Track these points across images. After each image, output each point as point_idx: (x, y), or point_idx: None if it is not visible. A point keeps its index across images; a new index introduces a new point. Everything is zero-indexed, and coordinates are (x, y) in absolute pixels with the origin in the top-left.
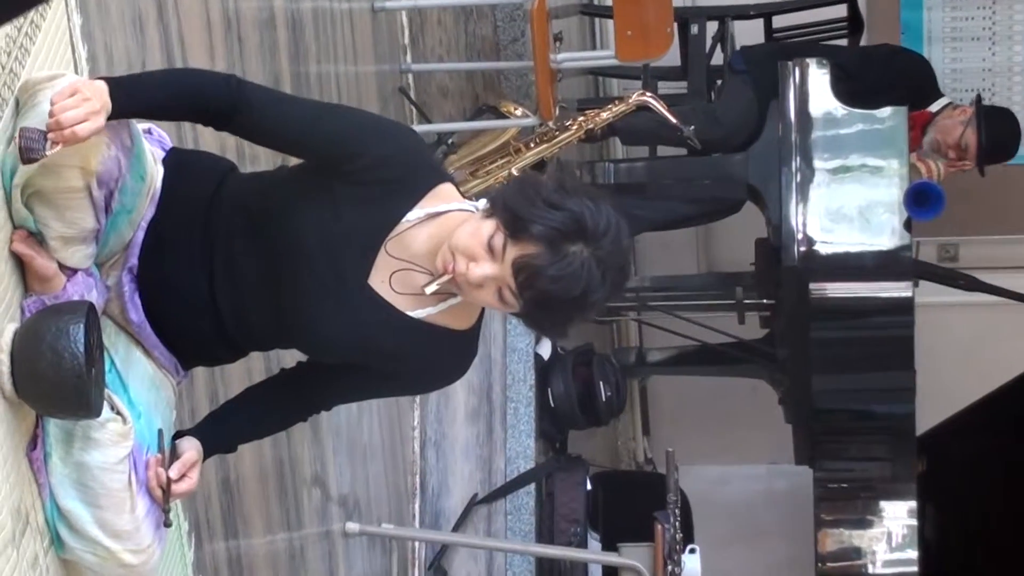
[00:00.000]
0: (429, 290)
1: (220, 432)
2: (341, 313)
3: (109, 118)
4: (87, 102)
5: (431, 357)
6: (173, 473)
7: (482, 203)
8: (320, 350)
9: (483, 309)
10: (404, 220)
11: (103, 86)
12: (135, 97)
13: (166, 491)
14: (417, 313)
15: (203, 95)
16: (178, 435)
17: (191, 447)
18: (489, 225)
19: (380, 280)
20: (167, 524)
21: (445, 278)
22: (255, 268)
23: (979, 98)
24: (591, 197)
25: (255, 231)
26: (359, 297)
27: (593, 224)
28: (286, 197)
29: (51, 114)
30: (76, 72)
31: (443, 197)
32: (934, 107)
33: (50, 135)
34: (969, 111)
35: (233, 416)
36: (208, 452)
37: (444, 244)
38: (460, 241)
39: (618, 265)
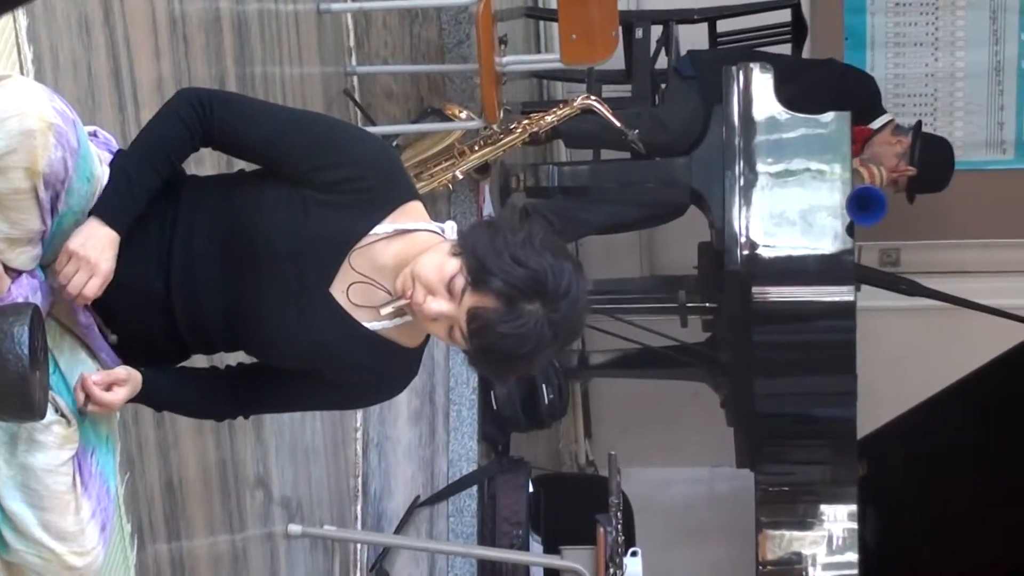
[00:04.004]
0: (384, 312)
1: (155, 382)
2: (301, 318)
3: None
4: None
5: (378, 369)
6: (97, 378)
7: (449, 226)
8: (272, 353)
9: None
10: (372, 233)
11: (95, 231)
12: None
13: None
14: (372, 325)
15: (175, 152)
16: None
17: (126, 370)
18: (453, 265)
19: (340, 290)
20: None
21: (402, 302)
22: (216, 268)
23: (919, 125)
24: (556, 254)
25: (218, 232)
26: (320, 304)
27: (554, 286)
28: (255, 199)
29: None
30: (22, 73)
31: (412, 215)
32: (875, 124)
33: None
34: (905, 143)
35: (171, 378)
36: (139, 395)
37: (407, 267)
38: (423, 272)
39: (571, 328)
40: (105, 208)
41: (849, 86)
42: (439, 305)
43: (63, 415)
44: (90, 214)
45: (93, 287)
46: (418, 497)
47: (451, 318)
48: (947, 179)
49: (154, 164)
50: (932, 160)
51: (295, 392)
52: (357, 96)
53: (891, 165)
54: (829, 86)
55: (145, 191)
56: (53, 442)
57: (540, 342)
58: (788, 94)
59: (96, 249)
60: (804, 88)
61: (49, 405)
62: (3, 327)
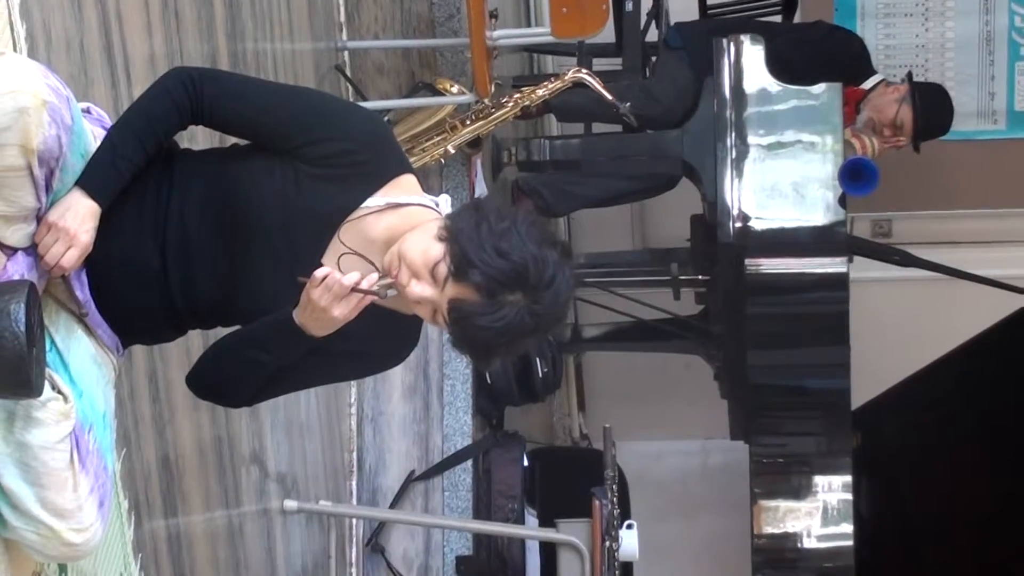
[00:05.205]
0: (369, 287)
1: None
2: (295, 289)
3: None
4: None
5: (376, 338)
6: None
7: (443, 199)
8: None
9: None
10: (364, 206)
11: (76, 202)
12: (112, 179)
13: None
14: None
15: (163, 129)
16: None
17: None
18: (438, 250)
19: (332, 262)
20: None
21: (388, 281)
22: (210, 241)
23: (911, 75)
24: (541, 243)
25: (212, 204)
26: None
27: (536, 278)
28: (247, 171)
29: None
30: (15, 50)
31: (405, 188)
32: (867, 84)
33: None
34: (903, 89)
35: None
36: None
37: (395, 244)
38: (408, 254)
39: (554, 317)
40: (88, 180)
41: (837, 43)
42: (422, 290)
43: (60, 392)
44: (73, 186)
45: (71, 258)
46: (413, 472)
47: (434, 303)
48: (950, 121)
49: (141, 139)
50: (932, 104)
51: (303, 368)
52: (348, 71)
53: (891, 113)
54: (815, 43)
55: (130, 165)
56: (50, 419)
57: (521, 332)
58: (774, 52)
59: (76, 220)
60: (790, 44)
61: (46, 382)
62: None
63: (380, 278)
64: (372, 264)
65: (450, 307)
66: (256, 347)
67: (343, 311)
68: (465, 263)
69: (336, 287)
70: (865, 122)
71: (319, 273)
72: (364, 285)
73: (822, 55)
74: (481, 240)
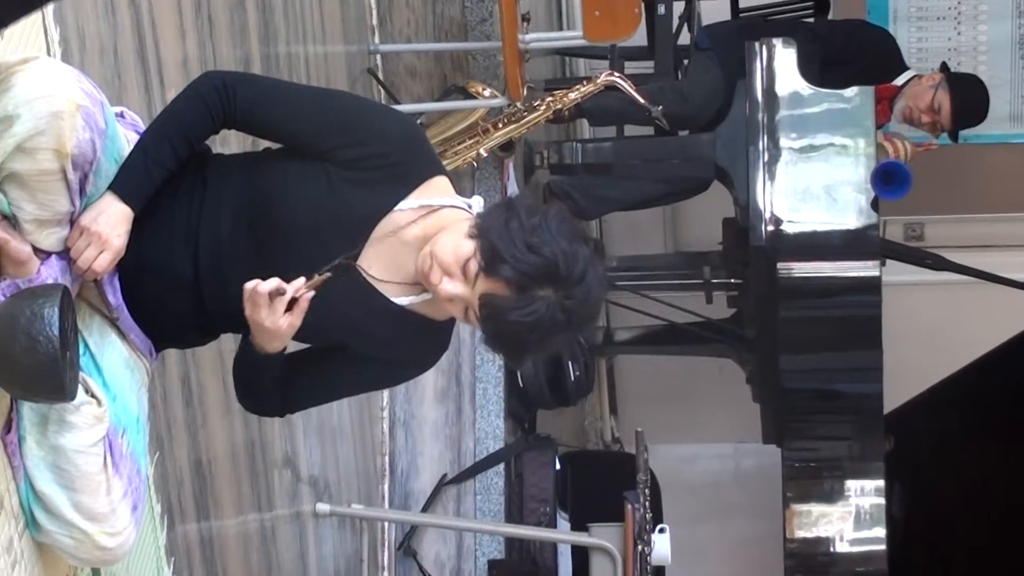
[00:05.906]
0: (405, 302)
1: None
2: (327, 294)
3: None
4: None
5: (408, 343)
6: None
7: (475, 200)
8: (300, 330)
9: None
10: (397, 208)
11: (108, 206)
12: (144, 184)
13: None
14: (400, 300)
15: (195, 133)
16: None
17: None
18: (468, 247)
19: (366, 264)
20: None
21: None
22: (243, 245)
23: (945, 65)
24: (571, 240)
25: (244, 209)
26: (346, 279)
27: (566, 272)
28: (279, 175)
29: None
30: (49, 54)
31: (437, 190)
32: (899, 80)
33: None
34: (937, 76)
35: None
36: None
37: (427, 245)
38: (440, 253)
39: (586, 313)
40: (120, 184)
41: (869, 40)
42: (454, 287)
43: (93, 396)
44: (106, 190)
45: (103, 262)
46: (445, 475)
47: (466, 300)
48: (986, 107)
49: (173, 144)
50: (968, 88)
51: (332, 376)
52: (381, 75)
53: (927, 99)
54: (846, 40)
55: (162, 170)
56: (84, 423)
57: (552, 328)
58: (805, 52)
59: (108, 224)
60: (821, 43)
61: (79, 386)
62: (33, 308)
63: (308, 280)
64: (399, 282)
65: (481, 303)
66: (248, 362)
67: (272, 320)
68: (495, 258)
69: (254, 296)
70: (901, 111)
71: (247, 286)
72: (289, 291)
73: (852, 47)
74: (512, 235)
